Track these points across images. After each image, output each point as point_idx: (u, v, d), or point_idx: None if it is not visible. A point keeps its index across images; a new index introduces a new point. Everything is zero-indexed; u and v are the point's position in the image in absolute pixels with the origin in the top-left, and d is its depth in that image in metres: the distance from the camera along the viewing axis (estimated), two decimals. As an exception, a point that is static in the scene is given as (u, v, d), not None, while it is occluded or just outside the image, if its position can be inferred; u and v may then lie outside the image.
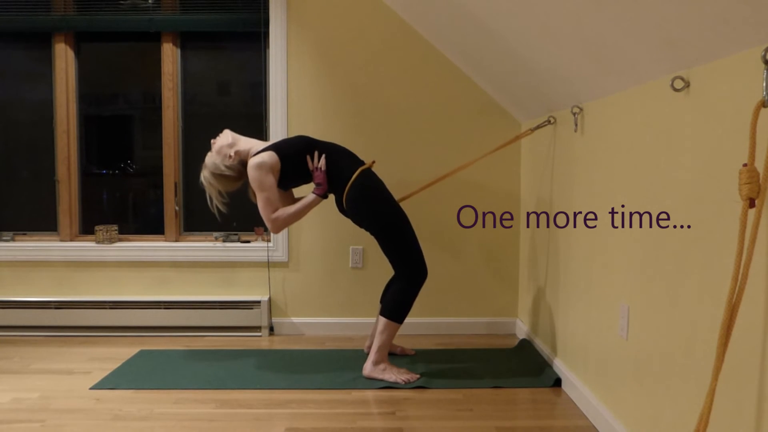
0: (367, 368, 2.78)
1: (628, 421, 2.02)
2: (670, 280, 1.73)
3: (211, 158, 2.88)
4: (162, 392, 2.62)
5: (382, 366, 2.77)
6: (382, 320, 2.78)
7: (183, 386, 2.67)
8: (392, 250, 2.79)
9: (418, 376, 2.76)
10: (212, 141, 2.92)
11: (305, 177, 2.88)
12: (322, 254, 3.55)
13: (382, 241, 2.80)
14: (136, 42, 3.67)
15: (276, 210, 2.75)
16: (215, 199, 2.92)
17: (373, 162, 2.92)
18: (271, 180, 2.74)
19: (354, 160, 2.88)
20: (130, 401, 2.52)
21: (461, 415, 2.39)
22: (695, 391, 1.59)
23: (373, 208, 2.79)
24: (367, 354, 3.05)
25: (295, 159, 2.81)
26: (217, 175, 2.87)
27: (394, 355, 3.06)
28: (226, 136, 2.90)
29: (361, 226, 2.87)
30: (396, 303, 2.76)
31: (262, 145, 2.89)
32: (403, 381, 2.71)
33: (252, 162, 2.76)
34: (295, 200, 2.98)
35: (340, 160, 2.84)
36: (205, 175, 2.90)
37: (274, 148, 2.81)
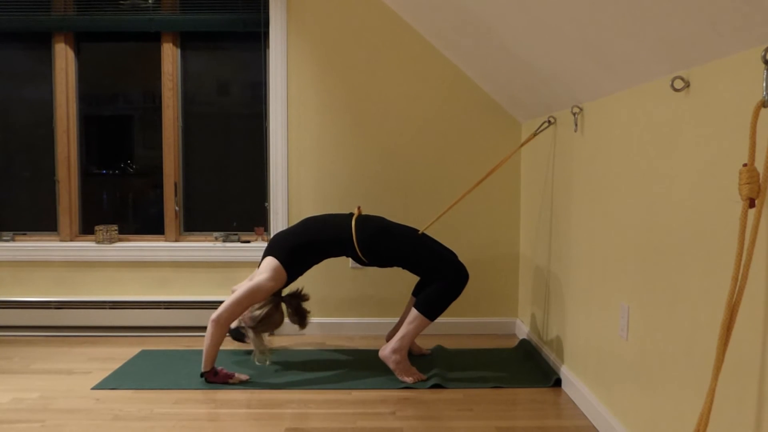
0: (385, 351, 2.78)
1: (628, 421, 2.02)
2: (670, 280, 1.73)
3: (246, 318, 2.85)
4: (162, 392, 2.62)
5: (397, 357, 2.76)
6: (414, 312, 2.77)
7: (183, 386, 2.67)
8: (427, 266, 2.81)
9: (425, 377, 2.76)
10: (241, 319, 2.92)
11: (307, 266, 2.90)
12: (322, 254, 3.55)
13: (414, 265, 2.83)
14: (136, 42, 3.67)
15: (236, 310, 2.70)
16: (262, 354, 2.90)
17: (359, 207, 2.93)
18: (272, 285, 2.75)
19: (341, 218, 2.88)
20: (130, 401, 2.52)
21: (461, 415, 2.39)
22: (695, 391, 1.59)
23: (388, 244, 2.81)
24: (387, 341, 3.12)
25: (295, 259, 2.82)
26: (260, 322, 2.82)
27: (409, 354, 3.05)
28: (244, 307, 2.85)
29: (389, 265, 2.88)
30: (433, 300, 2.76)
31: (262, 269, 2.84)
32: (410, 380, 2.72)
33: (268, 266, 2.78)
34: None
35: (327, 228, 2.85)
36: (251, 336, 2.85)
37: (277, 257, 2.80)
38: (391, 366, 2.76)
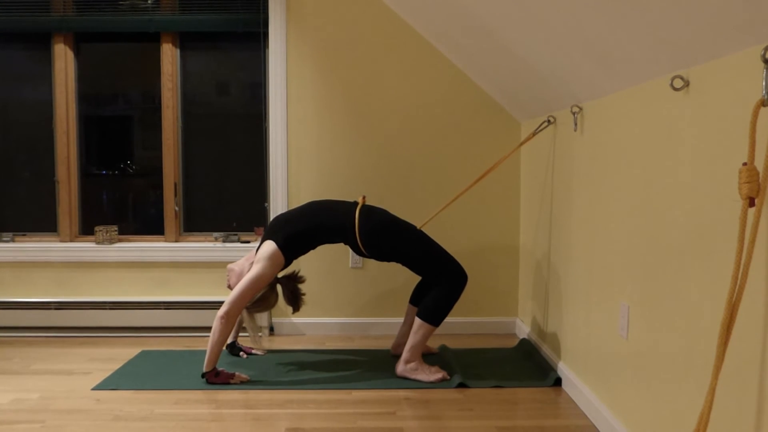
0: (399, 367, 2.77)
1: (628, 420, 2.02)
2: (670, 279, 1.73)
3: None
4: (162, 392, 2.62)
5: (413, 365, 2.75)
6: (418, 321, 2.75)
7: (183, 386, 2.67)
8: (427, 265, 2.79)
9: (449, 376, 2.75)
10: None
11: (305, 251, 2.88)
12: (321, 254, 3.55)
13: (414, 262, 2.80)
14: (136, 42, 3.67)
15: (241, 303, 2.69)
16: (254, 333, 2.94)
17: (364, 197, 2.89)
18: (272, 272, 2.74)
19: (345, 206, 2.84)
20: (131, 402, 2.52)
21: (461, 415, 2.39)
22: (695, 390, 1.59)
23: (391, 239, 2.78)
24: (393, 354, 3.08)
25: (293, 244, 2.80)
26: (256, 303, 2.86)
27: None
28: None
29: (387, 260, 2.85)
30: (436, 306, 2.74)
31: (261, 256, 2.80)
32: (436, 380, 2.71)
33: (267, 252, 2.75)
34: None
35: (330, 215, 2.81)
36: (245, 316, 2.90)
37: (275, 241, 2.77)
38: (412, 376, 2.74)
